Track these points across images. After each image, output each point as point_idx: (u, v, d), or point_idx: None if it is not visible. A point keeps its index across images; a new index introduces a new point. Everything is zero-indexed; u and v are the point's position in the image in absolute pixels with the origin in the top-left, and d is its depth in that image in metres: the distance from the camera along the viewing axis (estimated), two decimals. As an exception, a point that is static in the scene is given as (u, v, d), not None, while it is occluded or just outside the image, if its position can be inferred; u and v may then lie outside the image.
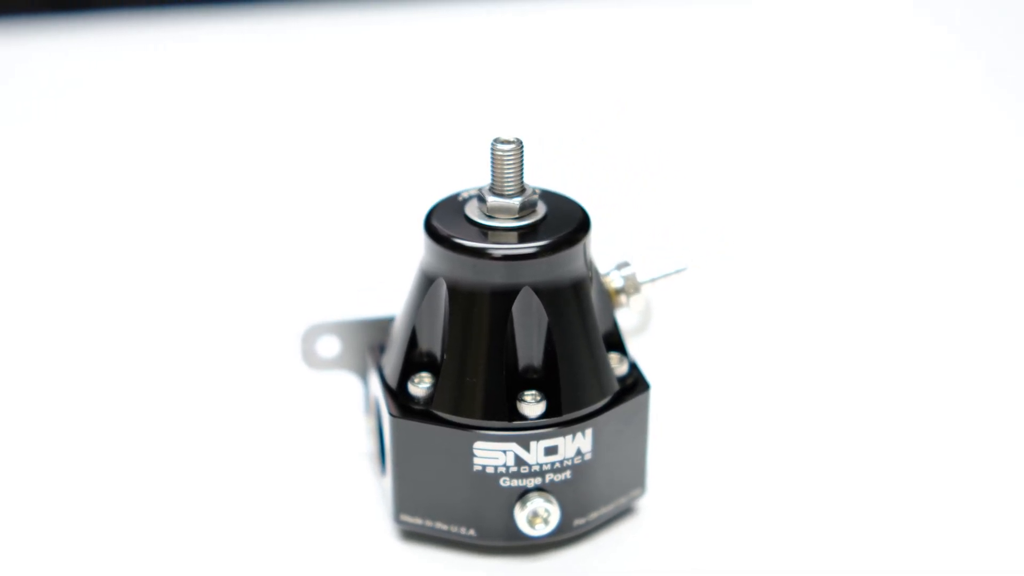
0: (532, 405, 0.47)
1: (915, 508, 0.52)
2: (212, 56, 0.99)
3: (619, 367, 0.49)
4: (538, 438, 0.47)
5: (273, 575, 0.48)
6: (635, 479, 0.50)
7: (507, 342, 0.47)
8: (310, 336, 0.53)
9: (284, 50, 0.98)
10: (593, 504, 0.49)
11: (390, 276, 0.55)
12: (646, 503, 0.52)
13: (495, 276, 0.46)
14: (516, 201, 0.47)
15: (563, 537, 0.49)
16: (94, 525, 0.51)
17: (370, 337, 0.53)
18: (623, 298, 0.50)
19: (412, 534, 0.50)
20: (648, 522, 0.51)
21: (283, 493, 0.52)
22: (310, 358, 0.53)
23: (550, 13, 1.03)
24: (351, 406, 0.56)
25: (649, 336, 0.55)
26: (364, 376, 0.53)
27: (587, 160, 0.77)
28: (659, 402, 0.56)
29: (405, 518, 0.49)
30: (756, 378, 0.60)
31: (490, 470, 0.47)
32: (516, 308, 0.46)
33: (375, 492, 0.52)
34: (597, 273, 0.49)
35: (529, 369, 0.47)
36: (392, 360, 0.49)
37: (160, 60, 0.97)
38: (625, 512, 0.51)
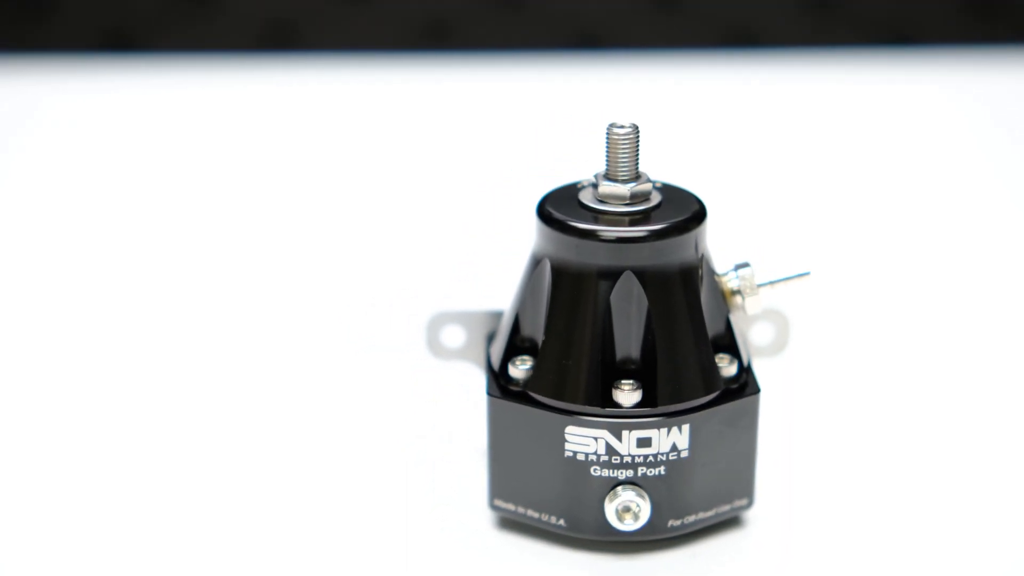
0: (627, 393, 0.46)
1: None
2: (318, 84, 1.02)
3: (728, 368, 0.47)
4: (631, 428, 0.46)
5: (365, 554, 0.49)
6: (741, 488, 0.48)
7: (605, 327, 0.46)
8: (435, 324, 0.53)
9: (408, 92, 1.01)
10: (690, 507, 0.47)
11: (517, 271, 0.55)
12: (754, 516, 0.50)
13: (598, 258, 0.46)
14: (628, 187, 0.47)
15: (656, 538, 0.47)
16: (220, 490, 0.52)
17: (494, 329, 0.53)
18: (739, 299, 0.48)
19: (508, 523, 0.50)
20: (754, 536, 0.49)
21: (395, 478, 0.53)
22: (435, 347, 0.53)
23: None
24: (477, 398, 0.55)
25: (788, 354, 0.54)
26: (485, 368, 0.53)
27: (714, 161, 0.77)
28: (789, 415, 0.55)
29: (499, 503, 0.48)
30: (892, 399, 0.58)
31: (581, 457, 0.46)
32: (615, 293, 0.46)
33: (483, 482, 0.52)
34: (711, 272, 0.48)
35: (629, 357, 0.46)
36: (498, 343, 0.49)
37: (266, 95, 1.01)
38: (729, 522, 0.49)
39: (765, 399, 0.53)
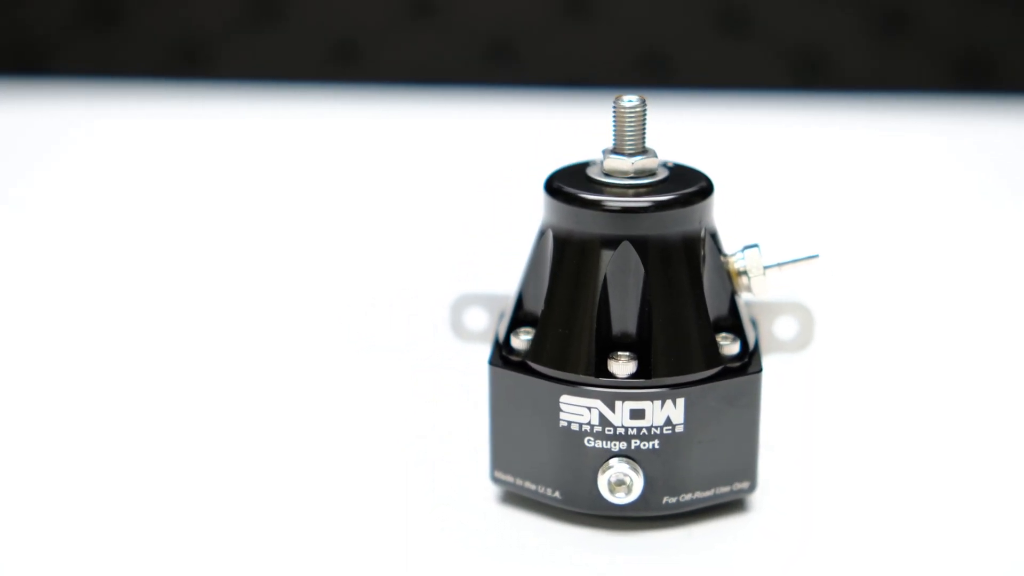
0: (622, 364, 0.46)
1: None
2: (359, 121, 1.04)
3: (729, 346, 0.47)
4: (624, 398, 0.46)
5: (365, 553, 0.48)
6: (742, 471, 0.48)
7: (601, 297, 0.46)
8: (459, 306, 0.54)
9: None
10: (686, 485, 0.47)
11: (516, 271, 0.55)
12: (758, 500, 0.49)
13: (598, 228, 0.46)
14: (632, 160, 0.47)
15: (652, 514, 0.47)
16: (220, 490, 0.53)
17: (510, 310, 0.53)
18: (744, 280, 0.48)
19: (510, 499, 0.50)
20: (755, 521, 0.48)
21: (395, 478, 0.52)
22: (458, 329, 0.54)
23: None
24: (477, 398, 0.56)
25: (812, 349, 0.53)
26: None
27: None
28: (810, 407, 0.54)
29: (499, 475, 0.49)
30: (912, 398, 0.57)
31: (575, 427, 0.46)
32: (612, 264, 0.46)
33: (483, 482, 0.51)
34: (716, 251, 0.48)
35: (625, 329, 0.46)
36: (505, 317, 0.50)
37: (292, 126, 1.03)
38: (730, 505, 0.49)
39: (785, 391, 0.53)
